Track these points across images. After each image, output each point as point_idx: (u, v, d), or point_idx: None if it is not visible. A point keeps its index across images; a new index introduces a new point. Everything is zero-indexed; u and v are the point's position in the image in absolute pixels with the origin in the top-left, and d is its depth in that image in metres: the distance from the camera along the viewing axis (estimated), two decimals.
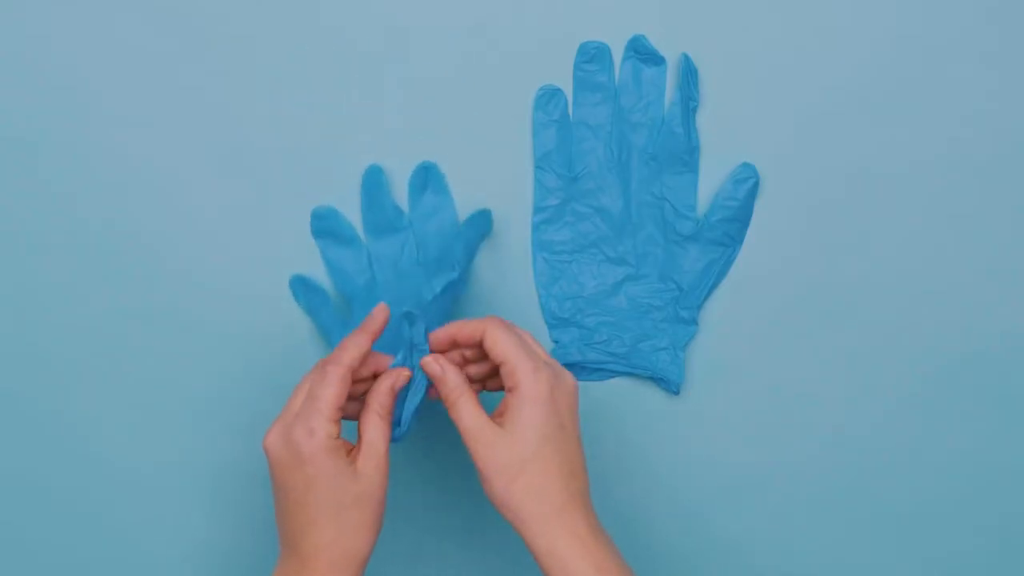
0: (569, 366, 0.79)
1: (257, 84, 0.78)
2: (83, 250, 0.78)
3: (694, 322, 0.79)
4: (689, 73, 0.77)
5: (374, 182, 0.78)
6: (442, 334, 0.70)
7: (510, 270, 0.79)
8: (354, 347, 0.67)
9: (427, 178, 0.78)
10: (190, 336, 0.79)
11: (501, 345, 0.67)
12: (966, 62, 0.78)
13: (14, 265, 0.78)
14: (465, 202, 0.78)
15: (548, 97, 0.78)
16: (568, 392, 0.68)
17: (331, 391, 0.65)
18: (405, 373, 0.68)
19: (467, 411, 0.67)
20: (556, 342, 0.79)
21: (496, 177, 0.79)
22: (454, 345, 0.70)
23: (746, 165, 0.78)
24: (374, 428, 0.67)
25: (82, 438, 0.79)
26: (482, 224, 0.75)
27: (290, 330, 0.79)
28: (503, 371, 0.67)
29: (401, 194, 0.78)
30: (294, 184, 0.78)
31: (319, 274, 0.79)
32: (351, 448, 0.67)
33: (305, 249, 0.78)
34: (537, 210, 0.79)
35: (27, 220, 0.78)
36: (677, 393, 0.79)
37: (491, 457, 0.66)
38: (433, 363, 0.68)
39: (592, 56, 0.78)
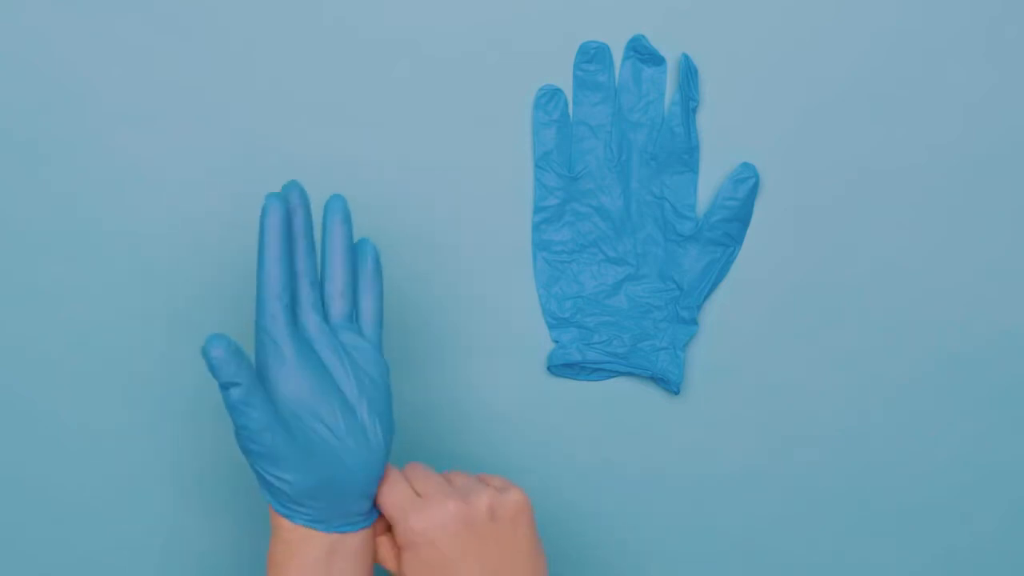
0: (569, 366, 0.79)
1: (257, 84, 0.78)
2: (83, 250, 0.78)
3: (694, 322, 0.79)
4: (689, 73, 0.77)
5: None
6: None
7: (510, 270, 0.79)
8: None
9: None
10: (189, 336, 0.79)
11: (382, 507, 0.65)
12: (966, 62, 0.78)
13: (14, 265, 0.78)
14: (465, 202, 0.78)
15: (548, 97, 0.78)
16: (448, 523, 0.63)
17: None
18: None
19: (380, 552, 0.66)
20: (556, 342, 0.79)
21: (496, 177, 0.79)
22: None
23: (746, 165, 0.78)
24: None
25: (81, 438, 0.79)
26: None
27: None
28: None
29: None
30: None
31: None
32: None
33: None
34: (537, 210, 0.79)
35: (27, 220, 0.78)
36: (677, 393, 0.79)
37: None
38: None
39: (592, 56, 0.78)
